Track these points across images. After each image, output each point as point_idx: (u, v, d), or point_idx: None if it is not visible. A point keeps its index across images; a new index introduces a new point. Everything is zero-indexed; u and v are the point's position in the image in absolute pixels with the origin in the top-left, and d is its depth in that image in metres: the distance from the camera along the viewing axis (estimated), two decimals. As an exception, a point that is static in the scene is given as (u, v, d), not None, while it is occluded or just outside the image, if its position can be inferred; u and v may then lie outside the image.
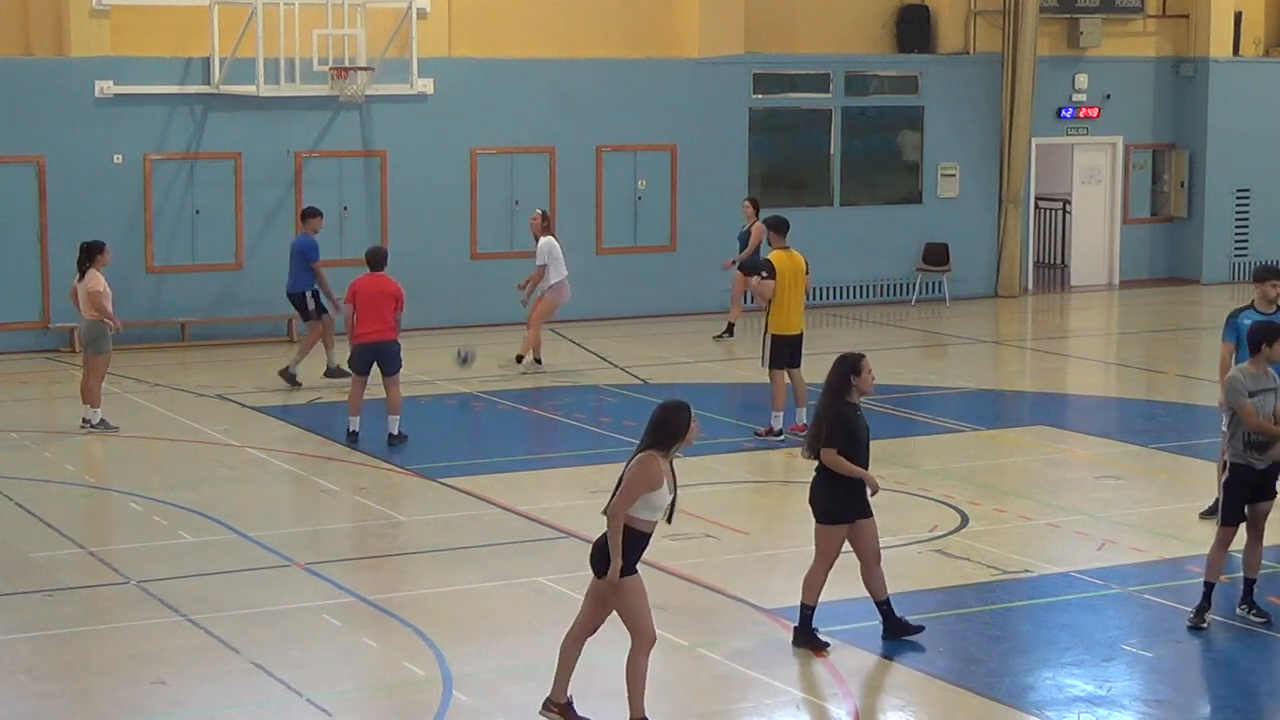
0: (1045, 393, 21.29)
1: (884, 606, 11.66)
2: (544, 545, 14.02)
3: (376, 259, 18.00)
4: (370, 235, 24.35)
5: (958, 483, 15.92)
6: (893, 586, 11.80)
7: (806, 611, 11.54)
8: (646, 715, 9.84)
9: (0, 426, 18.61)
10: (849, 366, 11.38)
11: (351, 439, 17.65)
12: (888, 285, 28.32)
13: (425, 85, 24.62)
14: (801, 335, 17.92)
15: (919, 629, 11.66)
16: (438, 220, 25.08)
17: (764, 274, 17.79)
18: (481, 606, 12.44)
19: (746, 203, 24.23)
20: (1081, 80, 29.62)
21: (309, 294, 20.75)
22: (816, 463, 11.56)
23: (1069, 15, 29.33)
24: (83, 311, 18.13)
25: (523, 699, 10.58)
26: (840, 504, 11.46)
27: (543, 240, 21.34)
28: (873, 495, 11.49)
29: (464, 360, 19.85)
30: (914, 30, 28.50)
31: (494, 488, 15.86)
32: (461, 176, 25.31)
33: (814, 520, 11.60)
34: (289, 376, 20.60)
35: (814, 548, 11.63)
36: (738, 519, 14.87)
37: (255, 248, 24.17)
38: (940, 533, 14.22)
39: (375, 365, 17.59)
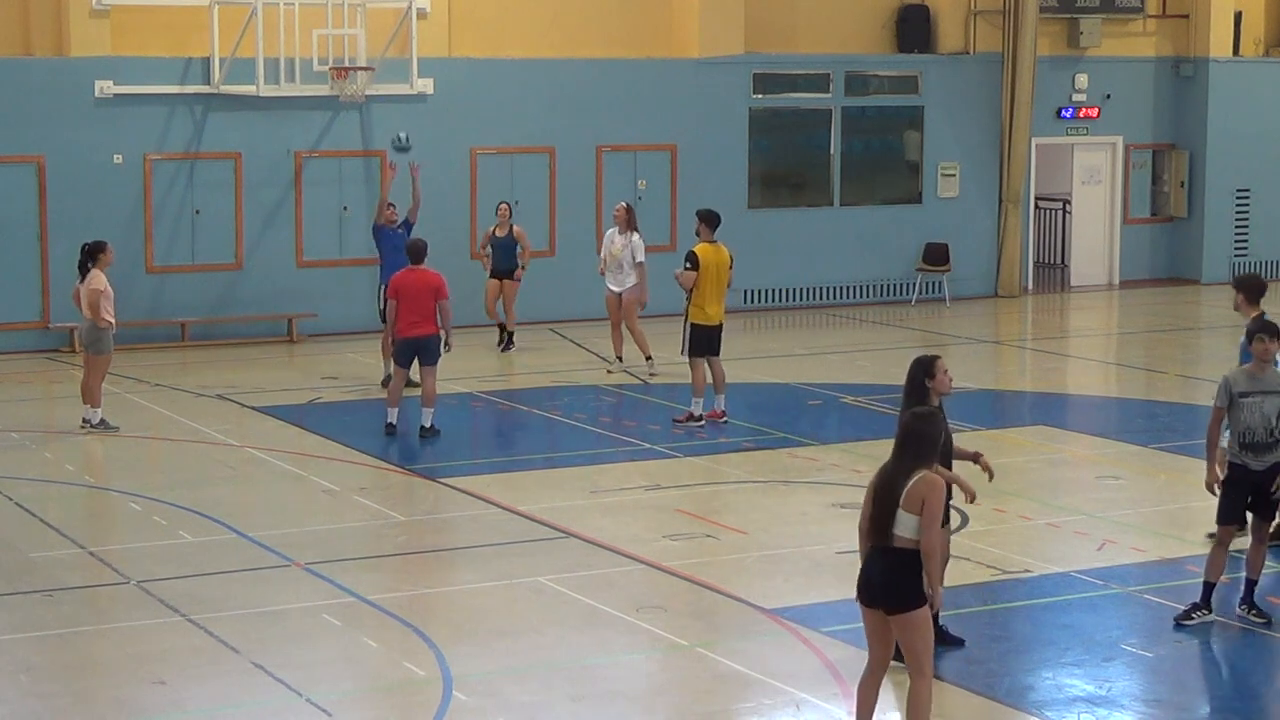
0: (1045, 393, 21.27)
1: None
2: (544, 545, 14.01)
3: (417, 252, 18.12)
4: (370, 235, 24.30)
5: (958, 483, 15.88)
6: (893, 587, 11.76)
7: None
8: None
9: (0, 426, 18.61)
10: (923, 370, 11.30)
11: (389, 431, 17.93)
12: (888, 285, 28.31)
13: (425, 85, 24.60)
14: (720, 326, 18.53)
15: (959, 642, 11.43)
16: (438, 220, 25.05)
17: (687, 265, 18.33)
18: (481, 606, 12.43)
19: (504, 205, 23.31)
20: (1081, 80, 29.61)
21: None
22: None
23: (1069, 15, 29.32)
24: (83, 311, 18.11)
25: (523, 699, 10.57)
26: None
27: (635, 237, 21.51)
28: (969, 501, 11.31)
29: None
30: (914, 30, 28.49)
31: (494, 488, 15.85)
32: (461, 176, 25.31)
33: None
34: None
35: None
36: (738, 519, 14.86)
37: (255, 248, 24.16)
38: (940, 533, 14.18)
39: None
